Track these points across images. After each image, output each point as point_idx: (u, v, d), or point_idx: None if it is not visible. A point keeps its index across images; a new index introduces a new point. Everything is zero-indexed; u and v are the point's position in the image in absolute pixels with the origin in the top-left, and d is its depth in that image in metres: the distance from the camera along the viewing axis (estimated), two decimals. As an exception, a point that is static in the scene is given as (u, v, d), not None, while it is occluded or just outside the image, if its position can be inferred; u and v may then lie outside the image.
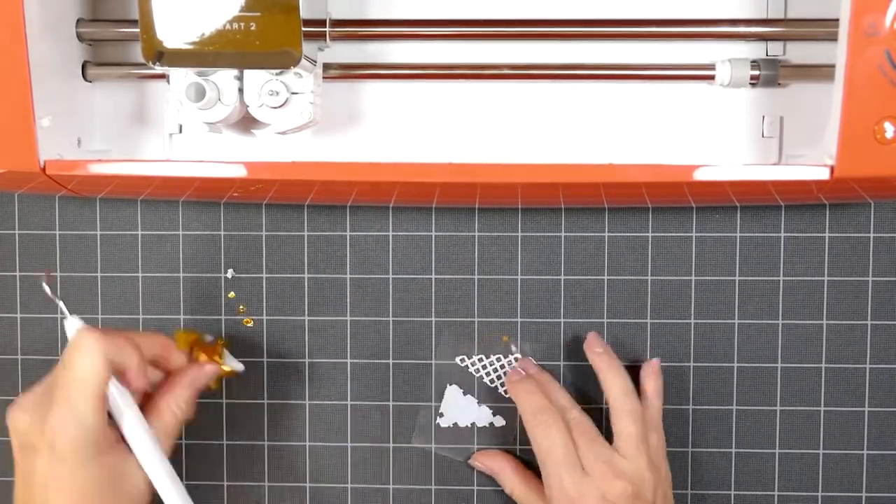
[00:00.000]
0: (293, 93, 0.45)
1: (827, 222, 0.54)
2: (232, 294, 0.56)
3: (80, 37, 0.49)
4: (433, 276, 0.56)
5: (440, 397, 0.56)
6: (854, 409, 0.55)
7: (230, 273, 0.56)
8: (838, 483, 0.55)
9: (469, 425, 0.56)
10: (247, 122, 0.48)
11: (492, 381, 0.56)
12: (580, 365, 0.55)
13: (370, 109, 0.51)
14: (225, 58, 0.43)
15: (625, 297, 0.55)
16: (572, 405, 0.51)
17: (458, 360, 0.56)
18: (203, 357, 0.50)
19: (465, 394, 0.56)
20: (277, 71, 0.45)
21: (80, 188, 0.47)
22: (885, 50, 0.39)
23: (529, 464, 0.55)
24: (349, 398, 0.56)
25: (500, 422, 0.56)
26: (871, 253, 0.54)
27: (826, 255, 0.54)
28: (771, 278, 0.55)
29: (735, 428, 0.55)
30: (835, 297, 0.55)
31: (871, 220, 0.54)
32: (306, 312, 0.56)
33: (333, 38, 0.47)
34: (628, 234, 0.55)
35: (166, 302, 0.56)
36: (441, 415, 0.56)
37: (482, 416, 0.56)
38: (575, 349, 0.55)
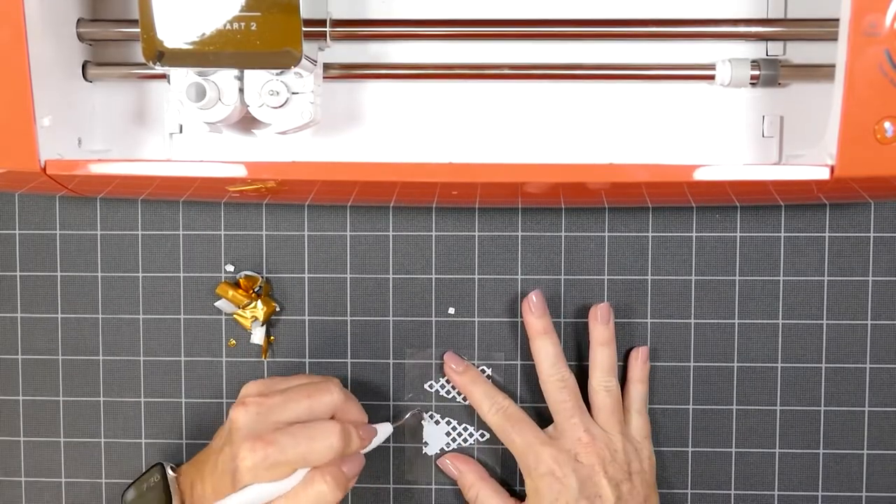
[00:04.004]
0: (293, 93, 0.45)
1: (827, 222, 0.54)
2: (230, 267, 0.56)
3: (80, 37, 0.49)
4: (433, 276, 0.56)
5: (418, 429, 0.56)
6: (854, 409, 0.55)
7: (230, 268, 0.56)
8: (838, 483, 0.55)
9: (455, 448, 0.56)
10: (247, 122, 0.48)
11: (464, 398, 0.56)
12: (581, 365, 0.55)
13: (370, 109, 0.51)
14: (225, 58, 0.43)
15: (625, 297, 0.55)
16: (556, 359, 0.53)
17: (426, 386, 0.56)
18: (241, 292, 0.54)
19: (443, 417, 0.56)
20: (278, 71, 0.45)
21: (80, 188, 0.47)
22: (885, 50, 0.39)
23: (506, 483, 0.55)
24: (349, 398, 0.56)
25: (483, 436, 0.56)
26: (871, 253, 0.54)
27: (826, 255, 0.54)
28: (771, 278, 0.55)
29: (735, 428, 0.55)
30: (835, 297, 0.55)
31: (871, 220, 0.54)
32: (306, 312, 0.56)
33: (334, 38, 0.47)
34: (628, 234, 0.55)
35: (166, 302, 0.56)
36: (426, 444, 0.56)
37: (465, 435, 0.56)
38: (575, 349, 0.55)
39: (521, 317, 0.55)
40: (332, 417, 0.48)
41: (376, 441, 0.51)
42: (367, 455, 0.50)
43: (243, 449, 0.44)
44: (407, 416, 0.55)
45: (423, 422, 0.56)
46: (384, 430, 0.52)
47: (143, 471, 0.52)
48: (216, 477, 0.46)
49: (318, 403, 0.47)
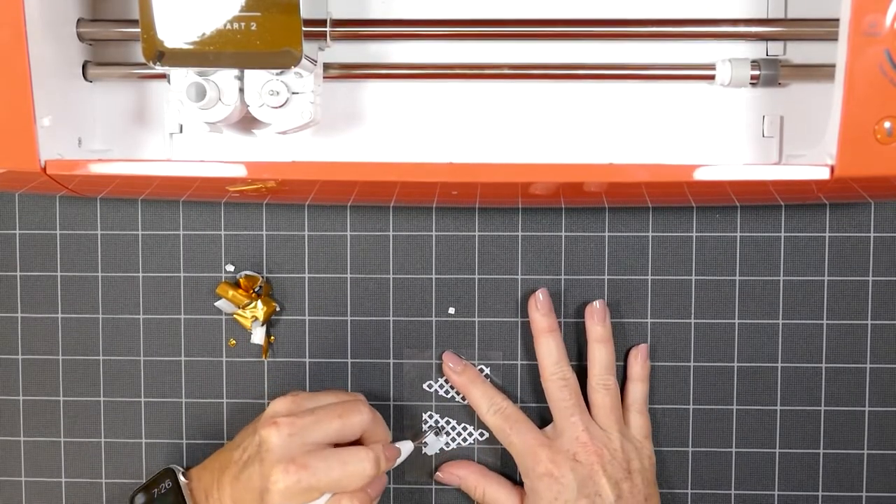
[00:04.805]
0: (293, 93, 0.45)
1: (827, 222, 0.54)
2: (230, 267, 0.56)
3: (80, 37, 0.49)
4: (433, 276, 0.56)
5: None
6: (854, 408, 0.55)
7: (230, 267, 0.56)
8: (838, 483, 0.55)
9: (455, 447, 0.56)
10: (247, 122, 0.48)
11: (463, 397, 0.56)
12: (581, 365, 0.55)
13: (370, 109, 0.51)
14: (225, 57, 0.43)
15: (625, 297, 0.55)
16: (560, 358, 0.53)
17: (425, 386, 0.56)
18: (241, 292, 0.54)
19: (442, 417, 0.56)
20: (278, 71, 0.45)
21: (80, 188, 0.47)
22: (885, 50, 0.39)
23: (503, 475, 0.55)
24: (349, 398, 0.56)
25: (483, 436, 0.56)
26: (871, 253, 0.54)
27: (826, 255, 0.54)
28: (771, 278, 0.55)
29: (735, 428, 0.55)
30: (835, 297, 0.55)
31: (872, 220, 0.54)
32: (307, 312, 0.56)
33: (334, 38, 0.47)
34: (628, 234, 0.55)
35: (166, 302, 0.56)
36: (425, 444, 0.56)
37: (464, 434, 0.56)
38: (575, 349, 0.55)
39: (524, 315, 0.55)
40: (361, 436, 0.49)
41: (399, 460, 0.51)
42: None
43: (276, 471, 0.45)
44: (427, 433, 0.55)
45: (438, 436, 0.56)
46: (406, 448, 0.53)
47: (151, 474, 0.52)
48: (239, 491, 0.46)
49: (349, 424, 0.47)
